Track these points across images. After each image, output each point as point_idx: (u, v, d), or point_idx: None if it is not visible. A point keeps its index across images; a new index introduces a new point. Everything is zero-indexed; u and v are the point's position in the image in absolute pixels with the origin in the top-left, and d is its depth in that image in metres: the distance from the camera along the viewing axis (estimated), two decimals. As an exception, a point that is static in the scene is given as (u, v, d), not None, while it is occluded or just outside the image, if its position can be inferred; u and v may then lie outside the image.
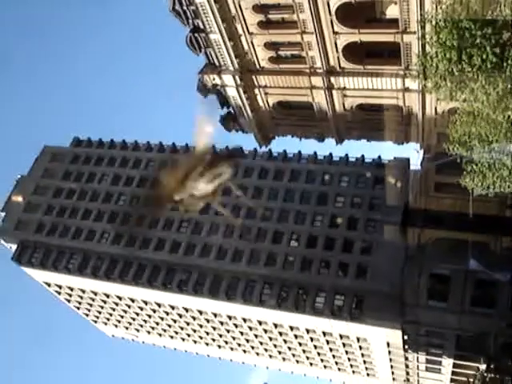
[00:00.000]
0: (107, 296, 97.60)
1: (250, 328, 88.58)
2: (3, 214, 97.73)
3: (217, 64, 54.63)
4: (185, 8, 51.10)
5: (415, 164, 74.95)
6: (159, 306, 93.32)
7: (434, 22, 34.27)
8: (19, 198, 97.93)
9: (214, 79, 55.17)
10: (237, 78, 54.18)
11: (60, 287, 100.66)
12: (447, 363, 73.61)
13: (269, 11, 50.24)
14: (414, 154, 67.33)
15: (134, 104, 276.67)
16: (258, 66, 53.98)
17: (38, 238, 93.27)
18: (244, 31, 51.21)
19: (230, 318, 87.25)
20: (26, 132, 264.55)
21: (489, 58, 31.78)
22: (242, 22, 50.49)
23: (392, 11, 46.75)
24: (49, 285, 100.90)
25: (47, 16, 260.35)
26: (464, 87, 33.91)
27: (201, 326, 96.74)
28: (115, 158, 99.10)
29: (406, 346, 74.22)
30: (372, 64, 50.97)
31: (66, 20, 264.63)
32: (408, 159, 77.80)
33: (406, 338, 72.19)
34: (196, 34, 52.53)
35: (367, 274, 73.64)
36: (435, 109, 50.26)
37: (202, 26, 51.64)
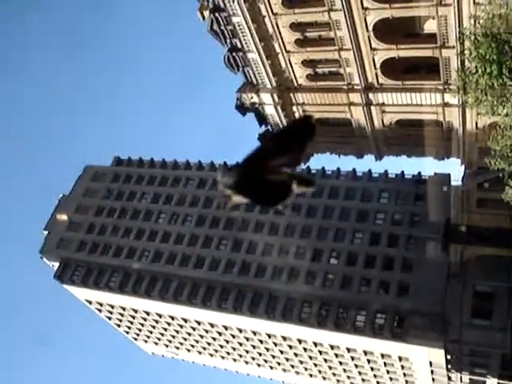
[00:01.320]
0: (147, 314, 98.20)
1: (290, 346, 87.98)
2: (46, 232, 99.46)
3: (255, 82, 55.01)
4: (223, 28, 51.73)
5: (456, 180, 74.07)
6: (199, 323, 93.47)
7: (472, 37, 33.91)
8: (62, 217, 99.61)
9: (252, 97, 55.53)
10: (275, 95, 54.42)
11: (101, 305, 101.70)
12: (491, 383, 71.78)
13: (306, 29, 50.49)
14: (455, 169, 66.49)
15: (174, 123, 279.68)
16: (295, 84, 54.16)
17: (80, 256, 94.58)
18: (281, 49, 51.51)
19: (269, 336, 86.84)
20: (68, 152, 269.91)
21: (530, 71, 31.28)
22: (280, 41, 50.82)
23: (430, 26, 46.50)
24: (90, 302, 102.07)
25: (91, 34, 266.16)
26: (506, 101, 33.40)
27: (240, 344, 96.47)
28: (155, 177, 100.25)
29: (449, 366, 72.71)
30: (410, 79, 50.67)
31: (111, 40, 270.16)
32: (449, 175, 76.88)
33: (449, 357, 70.76)
34: (234, 53, 53.04)
35: (409, 291, 72.51)
36: (476, 123, 49.62)
37: (239, 46, 52.14)
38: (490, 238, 64.04)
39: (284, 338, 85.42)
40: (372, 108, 52.68)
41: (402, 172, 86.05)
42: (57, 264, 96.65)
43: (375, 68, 49.70)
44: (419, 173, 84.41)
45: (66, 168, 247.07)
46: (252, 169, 6.52)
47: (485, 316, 66.45)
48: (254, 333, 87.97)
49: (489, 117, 39.46)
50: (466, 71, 35.44)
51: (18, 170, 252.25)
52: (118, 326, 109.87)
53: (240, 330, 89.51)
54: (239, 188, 6.50)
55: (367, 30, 47.05)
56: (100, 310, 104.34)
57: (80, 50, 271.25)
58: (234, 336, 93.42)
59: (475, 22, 37.93)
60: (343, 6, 45.54)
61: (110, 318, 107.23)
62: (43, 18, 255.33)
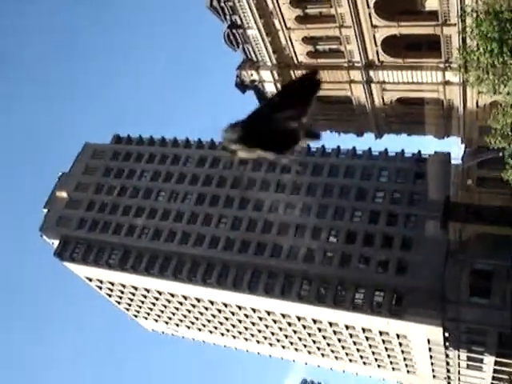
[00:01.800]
0: (147, 291, 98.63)
1: (289, 324, 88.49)
2: (45, 210, 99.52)
3: (255, 60, 54.64)
4: (222, 4, 51.25)
5: (456, 158, 73.93)
6: (199, 300, 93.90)
7: (474, 15, 33.64)
8: (62, 195, 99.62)
9: (252, 75, 55.21)
10: (275, 73, 54.11)
11: (101, 282, 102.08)
12: (489, 361, 72.37)
13: (306, 6, 50.04)
14: (455, 148, 66.40)
15: (174, 101, 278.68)
16: (296, 61, 53.81)
17: (80, 234, 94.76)
18: (282, 26, 51.09)
19: (268, 313, 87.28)
20: (68, 130, 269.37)
21: (532, 49, 31.06)
22: (280, 17, 50.39)
23: (431, 3, 46.07)
24: (90, 280, 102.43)
25: (94, 18, 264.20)
26: (507, 80, 33.22)
27: (240, 321, 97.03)
28: (154, 155, 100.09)
29: (447, 343, 73.22)
30: (411, 57, 50.34)
31: (108, 24, 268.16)
32: (449, 153, 76.79)
33: (446, 334, 71.24)
34: (234, 30, 52.62)
35: (407, 270, 72.76)
36: (477, 102, 49.40)
37: (239, 22, 51.73)
38: (489, 217, 64.13)
39: (283, 316, 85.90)
40: (372, 86, 52.41)
41: (402, 150, 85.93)
42: (57, 241, 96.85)
43: (376, 45, 49.34)
44: (419, 151, 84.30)
45: (65, 146, 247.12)
46: (258, 121, 6.62)
47: (483, 294, 66.76)
48: (254, 310, 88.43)
49: (490, 95, 39.27)
50: (468, 49, 35.20)
51: (18, 148, 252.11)
52: (119, 303, 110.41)
53: (239, 308, 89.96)
54: (245, 141, 6.54)
55: (368, 7, 46.64)
56: (100, 288, 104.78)
57: (80, 33, 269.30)
58: (233, 313, 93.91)
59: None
60: (344, -18, 45.10)
61: (110, 296, 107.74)
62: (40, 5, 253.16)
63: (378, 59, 50.43)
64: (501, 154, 39.15)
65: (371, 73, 51.34)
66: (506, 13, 31.32)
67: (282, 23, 50.86)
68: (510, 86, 33.28)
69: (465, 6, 39.14)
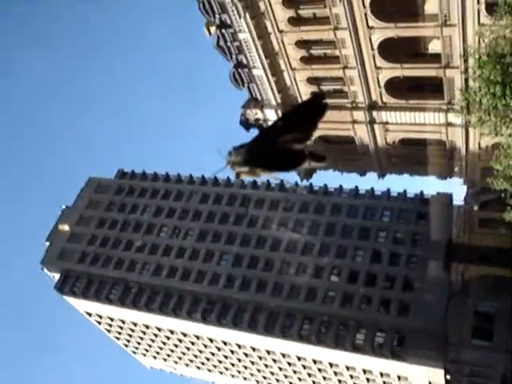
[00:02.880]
0: (147, 327, 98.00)
1: (289, 363, 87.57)
2: (47, 243, 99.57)
3: (259, 98, 55.32)
4: (229, 44, 52.15)
5: (459, 199, 74.12)
6: (198, 338, 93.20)
7: (476, 57, 34.22)
8: (64, 228, 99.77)
9: (256, 113, 55.85)
10: (279, 112, 54.70)
11: (101, 317, 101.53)
12: (492, 405, 71.37)
13: (311, 47, 50.89)
14: (457, 189, 66.71)
15: (178, 138, 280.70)
16: (300, 101, 54.43)
17: (81, 268, 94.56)
18: (287, 66, 51.88)
19: (268, 352, 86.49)
20: (72, 164, 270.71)
21: (533, 92, 31.49)
22: (285, 58, 51.20)
23: (434, 46, 46.86)
24: (90, 314, 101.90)
25: (99, 49, 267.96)
26: (509, 122, 33.59)
27: (239, 360, 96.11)
28: (158, 190, 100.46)
29: (449, 386, 72.30)
30: (414, 99, 50.95)
31: (117, 51, 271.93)
32: (451, 194, 76.93)
33: (448, 377, 70.38)
34: (239, 69, 53.42)
35: (409, 310, 72.25)
36: (479, 144, 49.82)
37: (245, 62, 52.53)
38: (491, 258, 64.01)
39: (283, 355, 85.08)
40: (375, 126, 52.93)
41: (405, 191, 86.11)
42: (57, 275, 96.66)
43: (379, 86, 50.01)
44: (421, 192, 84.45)
45: (69, 179, 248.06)
46: (262, 144, 6.68)
47: (485, 337, 66.18)
48: (254, 349, 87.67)
49: (492, 137, 39.63)
50: (470, 91, 35.69)
51: (22, 181, 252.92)
52: (118, 338, 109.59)
53: (239, 346, 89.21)
54: (250, 162, 6.61)
55: (372, 49, 47.41)
56: (99, 323, 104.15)
57: (85, 60, 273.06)
58: (232, 352, 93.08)
59: (479, 41, 38.23)
60: (349, 24, 45.94)
61: (109, 331, 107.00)
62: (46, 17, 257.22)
63: (382, 100, 51.06)
64: (503, 195, 39.32)
65: (374, 113, 51.91)
66: (509, 57, 31.85)
67: (287, 63, 51.65)
68: (511, 127, 33.64)
69: (467, 46, 39.79)
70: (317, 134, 56.12)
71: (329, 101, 53.88)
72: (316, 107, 7.06)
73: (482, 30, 38.43)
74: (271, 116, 55.47)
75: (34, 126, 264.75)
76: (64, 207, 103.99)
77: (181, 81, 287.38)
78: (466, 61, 40.21)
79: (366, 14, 45.11)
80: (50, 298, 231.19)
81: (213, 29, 53.42)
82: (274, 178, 7.10)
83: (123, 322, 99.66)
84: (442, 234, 75.07)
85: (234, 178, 6.90)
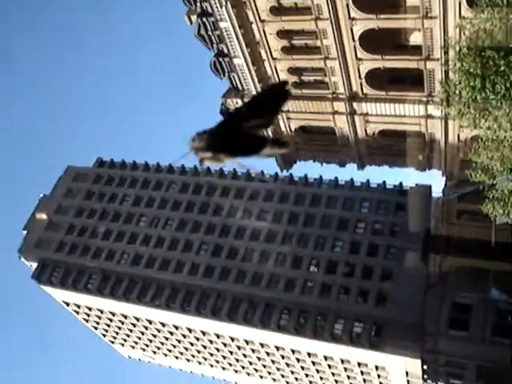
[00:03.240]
0: (125, 317, 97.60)
1: (268, 353, 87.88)
2: (25, 232, 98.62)
3: (240, 88, 55.09)
4: (210, 33, 51.81)
5: (437, 191, 74.61)
6: (176, 328, 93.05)
7: (457, 49, 34.37)
8: (42, 217, 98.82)
9: (236, 103, 55.61)
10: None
11: (79, 307, 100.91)
12: (467, 394, 72.30)
13: (293, 37, 50.74)
14: (436, 180, 67.18)
15: (159, 127, 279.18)
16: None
17: (59, 257, 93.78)
18: (268, 56, 51.68)
19: (247, 342, 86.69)
20: (51, 152, 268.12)
21: (513, 85, 31.73)
22: (266, 47, 50.99)
23: (415, 38, 46.98)
24: (67, 304, 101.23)
25: (78, 42, 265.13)
26: (488, 115, 33.83)
27: (218, 350, 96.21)
28: (137, 180, 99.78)
29: (426, 376, 73.06)
30: (395, 90, 51.09)
31: (90, 42, 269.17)
32: (430, 186, 77.38)
33: (425, 367, 71.11)
34: (220, 59, 53.13)
35: (387, 301, 72.76)
36: (458, 136, 50.13)
37: (226, 51, 52.24)
38: (469, 250, 64.58)
39: (262, 345, 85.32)
40: (356, 117, 53.01)
41: (384, 182, 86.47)
42: (35, 264, 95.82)
43: (360, 78, 50.06)
44: (401, 183, 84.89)
45: (47, 168, 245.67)
46: (225, 130, 6.63)
47: (462, 327, 66.89)
48: (232, 339, 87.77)
49: (471, 129, 39.94)
50: (450, 83, 35.86)
51: (0, 170, 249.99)
52: (96, 328, 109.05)
53: (218, 336, 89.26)
54: (212, 148, 6.57)
55: (353, 40, 47.40)
56: (77, 312, 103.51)
57: (65, 52, 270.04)
58: (211, 342, 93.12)
59: (460, 34, 38.38)
60: (330, 15, 45.85)
61: (87, 321, 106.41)
62: (31, 17, 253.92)
63: (362, 91, 51.12)
64: (481, 188, 39.65)
65: (355, 105, 51.98)
66: (489, 50, 32.02)
67: (268, 53, 51.46)
68: (490, 120, 33.88)
69: (448, 39, 39.94)
70: (298, 124, 56.17)
71: (310, 91, 53.86)
72: (279, 94, 7.01)
73: (463, 22, 38.60)
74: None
75: (12, 115, 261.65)
76: (42, 196, 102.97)
77: (161, 70, 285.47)
78: (446, 53, 40.43)
79: (347, 5, 45.08)
80: (28, 287, 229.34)
81: (194, 17, 53.05)
82: (239, 165, 7.02)
83: (101, 311, 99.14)
84: (420, 225, 75.58)
85: (199, 164, 6.86)
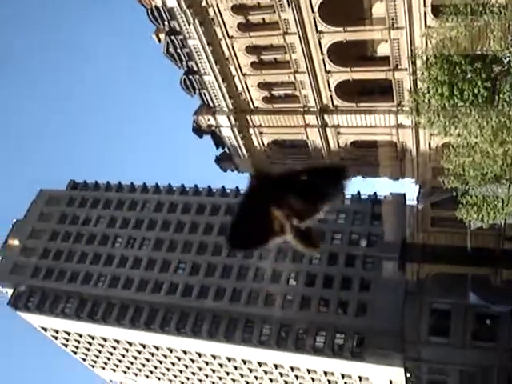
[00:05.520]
0: (104, 340, 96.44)
1: (250, 370, 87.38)
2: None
3: (211, 105, 55.04)
4: (179, 51, 51.72)
5: (411, 199, 75.14)
6: (157, 348, 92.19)
7: (424, 58, 34.79)
8: (15, 242, 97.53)
9: (208, 120, 55.52)
10: (231, 118, 54.53)
11: (57, 332, 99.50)
12: (451, 400, 72.46)
13: (261, 52, 50.88)
14: (410, 189, 67.72)
15: (130, 146, 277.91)
16: (252, 106, 54.38)
17: (34, 282, 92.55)
18: (237, 72, 51.73)
19: (229, 359, 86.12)
20: (22, 176, 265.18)
21: (480, 92, 32.18)
22: (236, 63, 51.05)
23: (383, 49, 47.40)
24: (45, 329, 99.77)
25: (49, 59, 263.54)
26: (457, 122, 34.21)
27: (200, 369, 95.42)
28: (111, 201, 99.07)
29: (409, 384, 73.19)
30: (365, 101, 51.41)
31: (61, 64, 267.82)
32: (404, 194, 78.01)
33: (408, 375, 71.26)
34: (190, 76, 53.04)
35: (367, 311, 73.02)
36: (429, 144, 50.56)
37: (195, 68, 52.20)
38: (445, 256, 65.04)
39: (244, 362, 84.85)
40: (327, 130, 53.20)
41: (359, 192, 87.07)
42: (10, 290, 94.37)
43: (330, 90, 50.30)
44: (375, 193, 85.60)
45: (20, 192, 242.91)
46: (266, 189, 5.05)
47: (442, 333, 67.26)
48: (214, 357, 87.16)
49: (441, 137, 40.35)
50: (419, 92, 36.25)
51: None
52: (75, 353, 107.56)
53: (199, 355, 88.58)
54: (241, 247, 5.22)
55: (322, 53, 47.67)
56: (56, 337, 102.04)
57: (35, 73, 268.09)
58: (193, 361, 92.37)
59: (427, 43, 38.85)
60: (298, 29, 46.10)
61: (66, 345, 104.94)
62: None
63: (333, 104, 51.37)
64: (454, 194, 40.03)
65: (326, 117, 52.17)
66: (456, 57, 32.46)
67: (238, 69, 51.51)
68: (460, 127, 34.27)
69: (415, 49, 40.43)
70: (270, 138, 56.25)
71: (281, 105, 54.00)
72: (334, 178, 5.11)
73: (429, 31, 39.06)
74: (224, 122, 55.24)
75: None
76: (15, 220, 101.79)
77: (131, 89, 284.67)
78: (413, 63, 40.84)
79: (314, 19, 45.36)
80: (4, 314, 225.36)
81: (162, 36, 52.97)
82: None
83: (80, 335, 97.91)
84: (396, 233, 76.05)
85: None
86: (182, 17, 47.95)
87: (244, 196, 5.18)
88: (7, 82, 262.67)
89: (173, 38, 50.87)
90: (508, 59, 32.01)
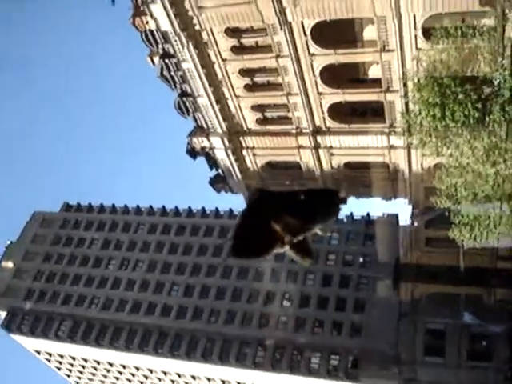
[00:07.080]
0: (98, 363, 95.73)
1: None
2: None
3: (205, 127, 55.42)
4: (173, 74, 52.21)
5: (404, 219, 75.47)
6: (151, 371, 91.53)
7: (415, 80, 35.28)
8: (9, 264, 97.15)
9: (202, 142, 55.88)
10: (225, 140, 54.88)
11: (50, 355, 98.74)
12: (447, 421, 72.11)
13: (255, 74, 51.41)
14: (402, 209, 68.12)
15: (124, 168, 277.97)
16: (245, 128, 54.80)
17: (28, 305, 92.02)
18: (231, 94, 52.21)
19: (223, 382, 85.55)
20: (16, 198, 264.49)
21: (471, 113, 32.63)
22: (229, 86, 51.53)
23: (374, 71, 47.99)
24: (39, 352, 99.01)
25: (45, 81, 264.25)
26: (449, 142, 34.63)
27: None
28: (105, 223, 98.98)
29: (405, 405, 72.79)
30: (357, 123, 51.91)
31: (59, 87, 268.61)
32: (397, 215, 78.32)
33: (404, 396, 70.92)
34: (184, 98, 53.48)
35: (362, 332, 72.87)
36: (421, 164, 50.99)
37: (189, 91, 52.64)
38: (439, 276, 65.23)
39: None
40: (320, 151, 53.57)
41: (352, 213, 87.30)
42: (4, 313, 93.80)
43: (322, 112, 50.78)
44: (368, 213, 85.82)
45: (13, 214, 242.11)
46: (266, 203, 5.52)
47: (437, 353, 67.09)
48: (209, 379, 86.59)
49: (433, 157, 40.76)
50: (410, 114, 36.69)
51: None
52: (68, 376, 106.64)
53: (194, 378, 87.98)
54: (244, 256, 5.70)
55: (314, 76, 48.19)
56: (49, 360, 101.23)
57: (28, 89, 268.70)
58: None
59: (417, 65, 39.38)
60: (290, 52, 46.65)
61: (59, 369, 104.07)
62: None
63: (325, 125, 51.81)
64: (446, 214, 40.31)
65: (319, 138, 52.58)
66: (446, 79, 32.95)
67: (232, 91, 51.99)
68: (451, 148, 34.68)
69: (406, 71, 40.95)
70: (264, 160, 56.59)
71: (274, 127, 54.42)
72: (328, 201, 5.84)
73: (420, 54, 39.66)
74: (217, 144, 55.57)
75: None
76: (9, 242, 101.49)
77: (125, 110, 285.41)
78: (405, 85, 41.35)
79: (307, 42, 45.93)
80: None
81: (156, 59, 53.49)
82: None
83: (74, 358, 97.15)
84: (389, 254, 76.18)
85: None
86: (175, 40, 48.47)
87: (246, 209, 5.58)
88: (13, 102, 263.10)
89: (167, 60, 51.40)
90: (498, 81, 32.51)
